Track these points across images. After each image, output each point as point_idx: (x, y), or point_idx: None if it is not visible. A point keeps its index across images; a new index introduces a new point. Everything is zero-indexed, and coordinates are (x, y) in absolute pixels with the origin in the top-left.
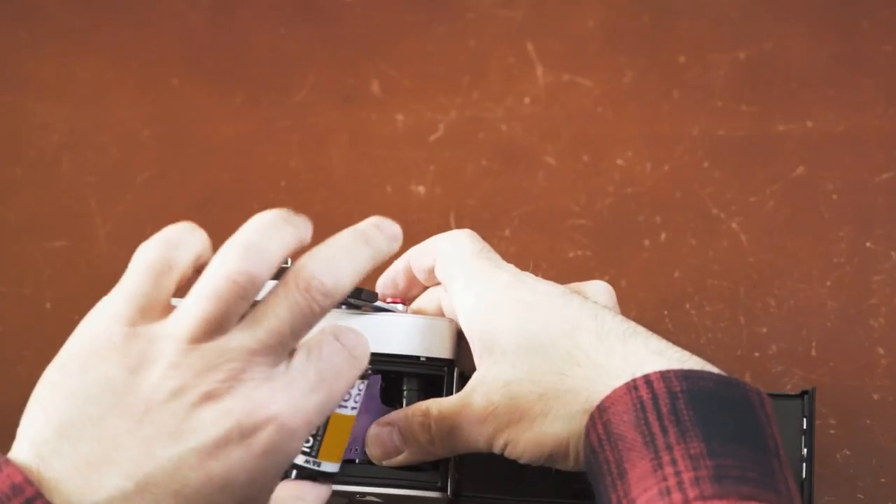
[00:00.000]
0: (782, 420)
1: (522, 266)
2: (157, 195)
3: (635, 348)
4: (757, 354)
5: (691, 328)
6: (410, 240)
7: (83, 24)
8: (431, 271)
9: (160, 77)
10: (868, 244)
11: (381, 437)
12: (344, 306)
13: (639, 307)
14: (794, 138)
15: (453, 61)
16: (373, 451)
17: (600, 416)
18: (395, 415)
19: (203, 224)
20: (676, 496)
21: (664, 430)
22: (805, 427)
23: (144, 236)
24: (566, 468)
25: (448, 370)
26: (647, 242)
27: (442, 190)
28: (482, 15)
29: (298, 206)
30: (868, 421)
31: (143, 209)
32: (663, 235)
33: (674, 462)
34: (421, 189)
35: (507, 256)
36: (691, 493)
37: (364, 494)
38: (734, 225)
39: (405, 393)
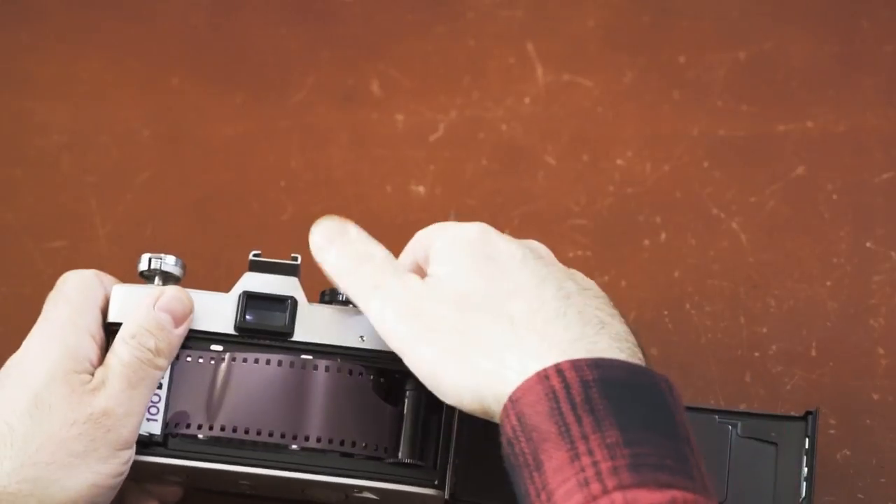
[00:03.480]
0: (785, 441)
1: None
2: (157, 195)
3: (553, 331)
4: (757, 354)
5: (691, 328)
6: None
7: (83, 24)
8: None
9: (160, 77)
10: (868, 244)
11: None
12: (352, 304)
13: (639, 307)
14: (794, 138)
15: (453, 61)
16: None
17: (513, 406)
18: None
19: (203, 224)
20: (595, 486)
21: (578, 420)
22: (808, 447)
23: (144, 236)
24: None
25: None
26: (647, 242)
27: (442, 190)
28: (482, 15)
29: (298, 206)
30: (868, 421)
31: (143, 209)
32: (663, 235)
33: (590, 452)
34: (421, 189)
35: None
36: (610, 483)
37: (360, 489)
38: (734, 225)
39: (407, 393)
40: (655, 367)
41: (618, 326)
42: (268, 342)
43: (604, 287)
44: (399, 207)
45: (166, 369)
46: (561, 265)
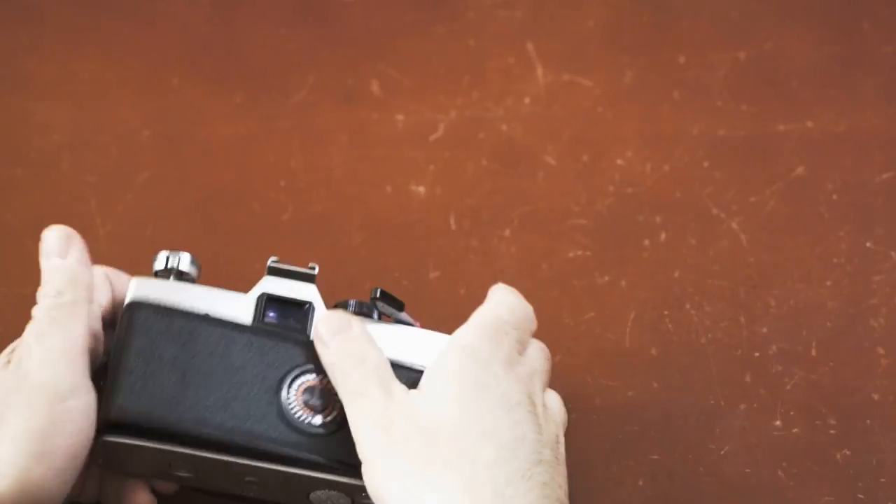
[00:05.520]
0: None
1: (523, 266)
2: (157, 195)
3: (511, 493)
4: (757, 354)
5: (691, 328)
6: (411, 240)
7: (83, 24)
8: None
9: (160, 77)
10: (868, 244)
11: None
12: (377, 314)
13: (639, 307)
14: (794, 138)
15: (453, 61)
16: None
17: None
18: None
19: (203, 224)
20: None
21: None
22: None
23: (144, 236)
24: None
25: None
26: (647, 242)
27: (442, 190)
28: (482, 15)
29: (298, 206)
30: (868, 421)
31: (143, 209)
32: (663, 235)
33: None
34: (421, 189)
35: (507, 256)
36: None
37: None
38: (734, 225)
39: None
40: (655, 368)
41: (558, 493)
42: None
43: (604, 287)
44: (399, 207)
45: (87, 301)
46: (556, 424)
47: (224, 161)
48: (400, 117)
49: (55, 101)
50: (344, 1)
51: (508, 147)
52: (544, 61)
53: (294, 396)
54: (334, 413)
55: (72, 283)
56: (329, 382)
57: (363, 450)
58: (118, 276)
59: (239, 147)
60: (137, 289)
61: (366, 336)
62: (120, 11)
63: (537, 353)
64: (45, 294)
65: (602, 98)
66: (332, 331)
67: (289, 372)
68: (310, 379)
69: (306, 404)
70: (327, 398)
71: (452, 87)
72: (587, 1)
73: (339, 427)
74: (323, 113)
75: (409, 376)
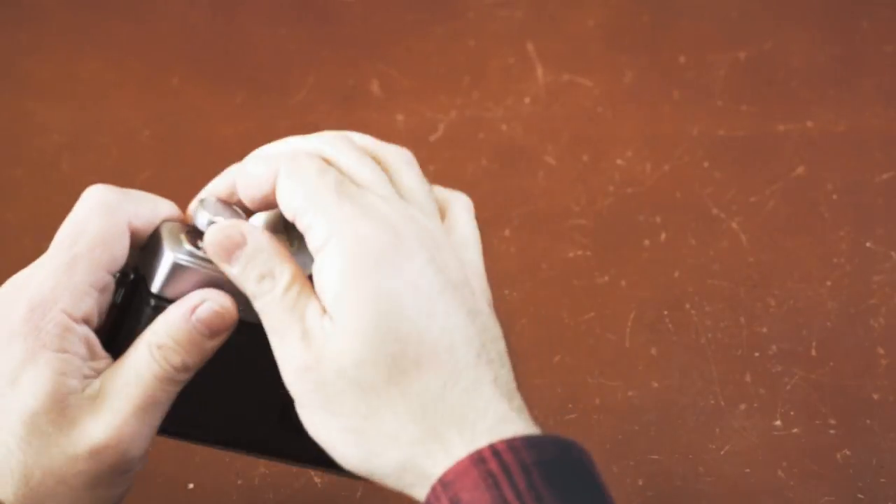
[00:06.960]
0: None
1: (523, 266)
2: (156, 195)
3: (472, 409)
4: (757, 354)
5: (691, 328)
6: None
7: (83, 24)
8: (267, 199)
9: (160, 77)
10: (868, 244)
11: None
12: None
13: (639, 307)
14: (794, 138)
15: (453, 61)
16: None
17: (445, 489)
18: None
19: None
20: None
21: None
22: None
23: None
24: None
25: None
26: (647, 242)
27: None
28: (482, 15)
29: None
30: (868, 421)
31: None
32: (663, 235)
33: None
34: None
35: (507, 256)
36: None
37: None
38: (734, 225)
39: None
40: (655, 368)
41: (507, 375)
42: None
43: (604, 287)
44: None
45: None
46: (470, 266)
47: (224, 161)
48: (400, 117)
49: (55, 101)
50: (344, 1)
51: (508, 147)
52: (544, 61)
53: None
54: None
55: (198, 366)
56: None
57: (295, 394)
58: (139, 203)
59: (239, 147)
60: (171, 274)
61: (268, 247)
62: (120, 11)
63: (409, 174)
64: (167, 358)
65: (602, 98)
66: (225, 248)
67: None
68: None
69: None
70: None
71: (452, 87)
72: (587, 1)
73: None
74: (323, 113)
75: None
